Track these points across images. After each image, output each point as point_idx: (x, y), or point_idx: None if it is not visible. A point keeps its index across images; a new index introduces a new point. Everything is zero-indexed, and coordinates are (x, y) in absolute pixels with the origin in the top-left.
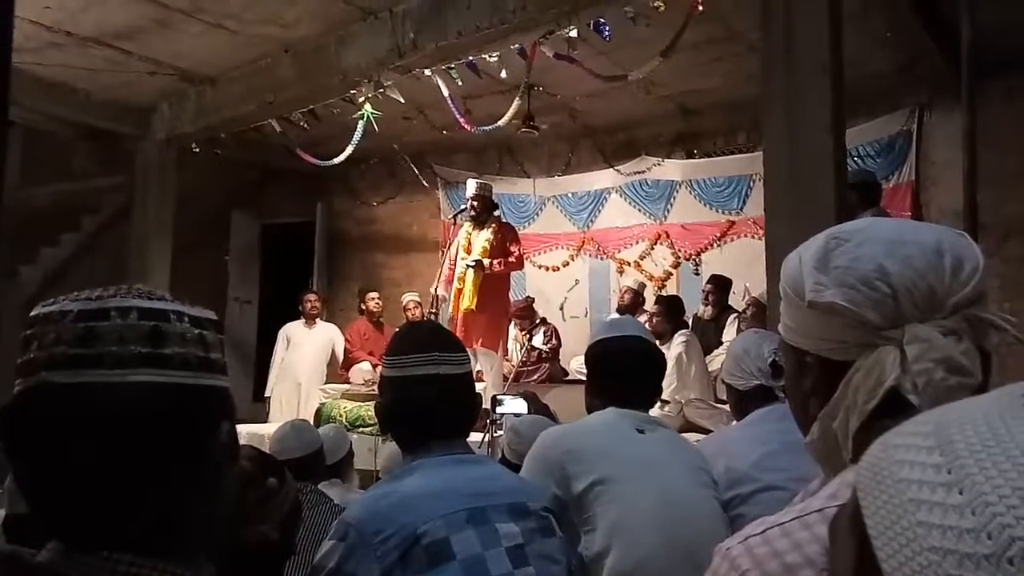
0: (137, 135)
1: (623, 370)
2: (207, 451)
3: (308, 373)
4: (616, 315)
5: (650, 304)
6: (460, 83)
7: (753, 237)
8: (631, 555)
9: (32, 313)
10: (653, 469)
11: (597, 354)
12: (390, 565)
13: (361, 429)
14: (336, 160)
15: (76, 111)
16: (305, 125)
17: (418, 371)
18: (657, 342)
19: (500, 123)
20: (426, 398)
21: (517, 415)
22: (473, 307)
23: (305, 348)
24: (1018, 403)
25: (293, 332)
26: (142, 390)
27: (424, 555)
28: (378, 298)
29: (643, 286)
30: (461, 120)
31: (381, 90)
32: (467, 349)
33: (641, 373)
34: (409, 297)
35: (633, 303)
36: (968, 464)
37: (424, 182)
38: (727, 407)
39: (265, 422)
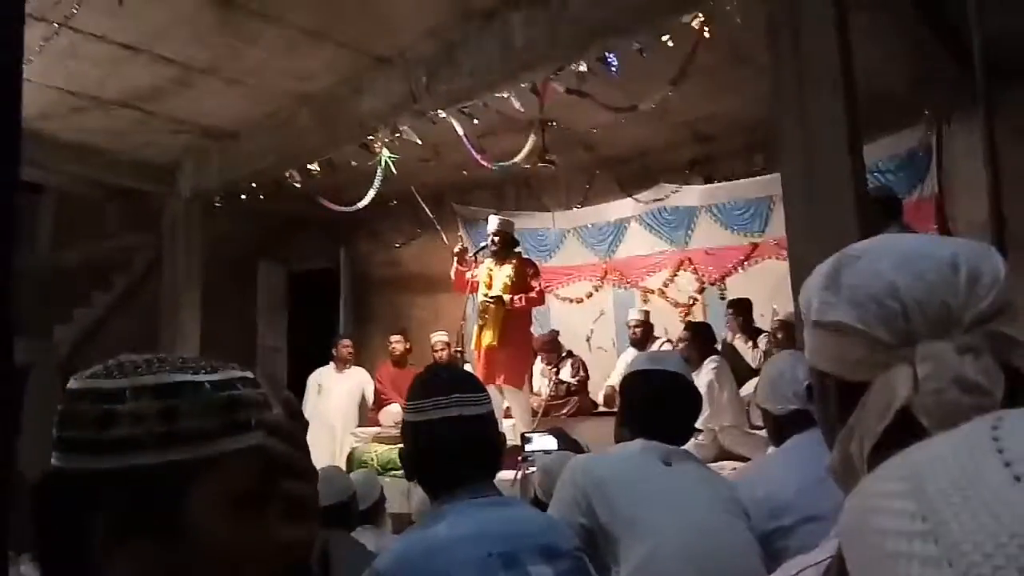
0: (163, 192)
1: (655, 402)
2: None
3: (341, 418)
4: (656, 348)
5: (678, 331)
6: (476, 122)
7: (777, 259)
8: None
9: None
10: (681, 502)
11: (631, 384)
12: None
13: (393, 472)
14: (358, 206)
15: (103, 172)
16: (315, 171)
17: (439, 414)
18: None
19: (517, 159)
20: (449, 441)
21: (546, 451)
22: (495, 343)
23: (336, 393)
24: (986, 438)
25: (324, 378)
26: (90, 477)
27: None
28: (401, 341)
29: (647, 314)
30: (478, 158)
31: (397, 134)
32: (490, 385)
33: (673, 407)
34: (437, 337)
35: (645, 336)
36: (941, 510)
37: (437, 225)
38: (763, 432)
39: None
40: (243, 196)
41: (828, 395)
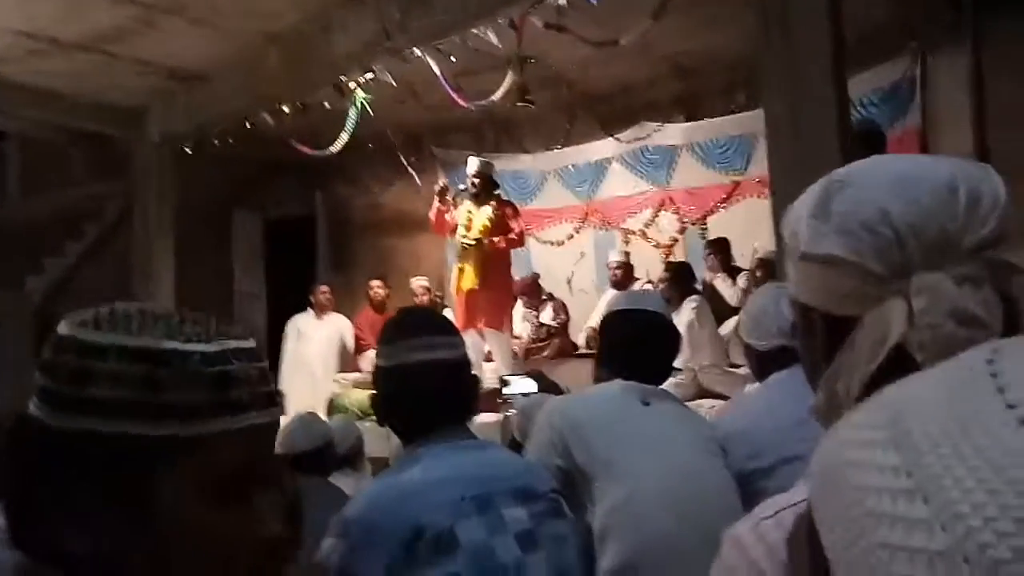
0: (131, 138)
1: (634, 342)
2: (138, 500)
3: (320, 364)
4: (640, 287)
5: (659, 272)
6: (453, 60)
7: (759, 197)
8: (638, 531)
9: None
10: (659, 443)
11: (610, 324)
12: (394, 560)
13: (374, 417)
14: (332, 149)
15: (67, 117)
16: (287, 113)
17: (411, 358)
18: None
19: (494, 97)
20: (421, 386)
21: (525, 394)
22: (475, 286)
23: (316, 339)
24: (983, 375)
25: (303, 324)
26: (60, 435)
27: (429, 547)
28: (379, 286)
29: (628, 255)
30: (455, 97)
31: (371, 74)
32: (471, 329)
33: (652, 346)
34: (417, 282)
35: (625, 277)
36: (931, 464)
37: (411, 170)
38: (742, 371)
39: (281, 415)
40: (214, 141)
41: (813, 331)
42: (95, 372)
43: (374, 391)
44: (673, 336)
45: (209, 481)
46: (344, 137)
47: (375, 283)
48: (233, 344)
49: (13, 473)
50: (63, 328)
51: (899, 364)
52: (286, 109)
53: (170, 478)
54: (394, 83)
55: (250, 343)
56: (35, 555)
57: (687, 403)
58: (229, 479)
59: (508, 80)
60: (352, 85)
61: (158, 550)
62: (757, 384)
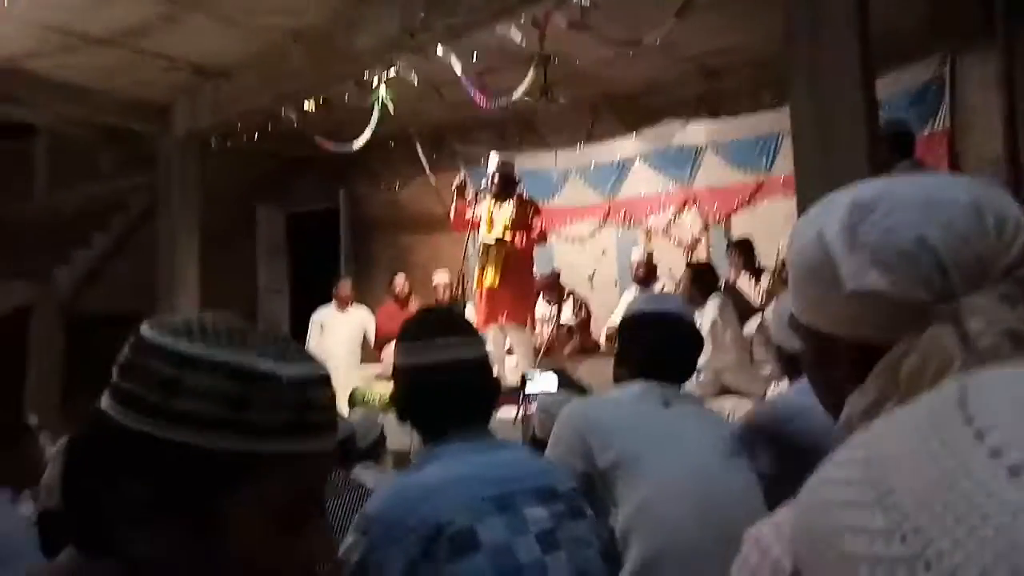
0: (157, 133)
1: (655, 343)
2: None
3: (344, 357)
4: (658, 289)
5: (680, 270)
6: (475, 59)
7: (784, 196)
8: (660, 532)
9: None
10: (681, 444)
11: (630, 323)
12: (414, 557)
13: None
14: (355, 145)
15: (95, 112)
16: (310, 109)
17: (431, 358)
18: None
19: (515, 95)
20: (441, 385)
21: (547, 392)
22: (496, 284)
23: (339, 332)
24: (956, 420)
25: (326, 317)
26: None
27: (449, 545)
28: (404, 281)
29: (651, 254)
30: (475, 95)
31: (394, 69)
32: (492, 325)
33: (673, 348)
34: (439, 278)
35: (648, 275)
36: (925, 528)
37: (428, 170)
38: (765, 370)
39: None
40: (239, 137)
41: (835, 360)
42: (186, 383)
43: (393, 389)
44: (694, 338)
45: (274, 503)
46: (367, 134)
47: (399, 277)
48: (312, 370)
49: (83, 468)
50: (150, 333)
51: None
52: (309, 105)
53: (239, 495)
54: (416, 81)
55: (325, 370)
56: (90, 553)
57: (710, 400)
58: (293, 503)
59: (528, 78)
60: (375, 82)
61: (215, 565)
62: (785, 384)
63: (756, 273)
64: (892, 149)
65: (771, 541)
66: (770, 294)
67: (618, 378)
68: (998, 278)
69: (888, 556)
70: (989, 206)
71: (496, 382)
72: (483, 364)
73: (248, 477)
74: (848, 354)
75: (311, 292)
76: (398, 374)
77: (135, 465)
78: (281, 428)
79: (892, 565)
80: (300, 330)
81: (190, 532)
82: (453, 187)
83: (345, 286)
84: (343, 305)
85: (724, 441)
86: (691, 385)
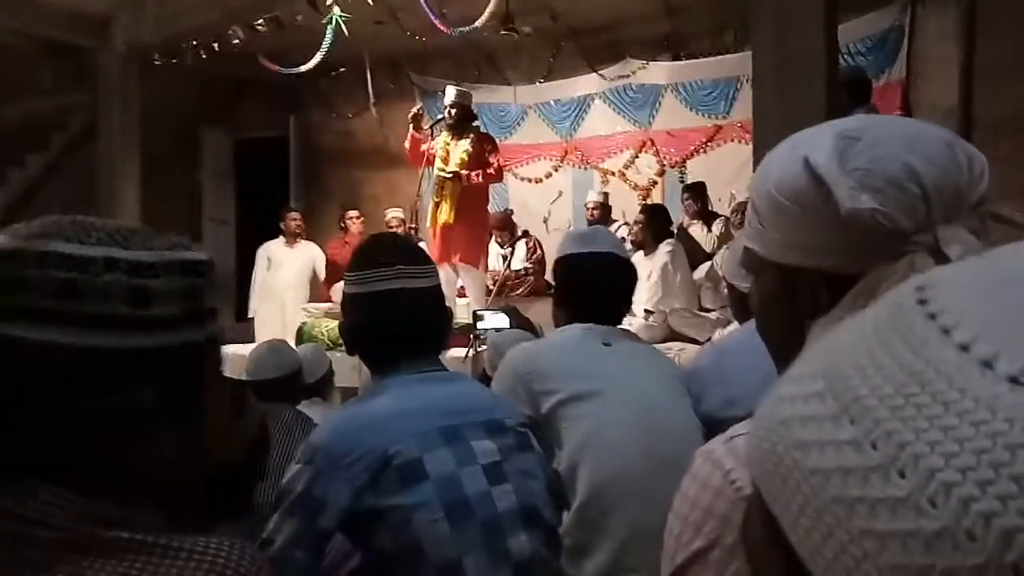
0: (97, 47)
1: (591, 287)
2: (123, 411)
3: (291, 293)
4: (616, 229)
5: (635, 213)
6: None
7: (740, 142)
8: (605, 466)
9: None
10: (623, 381)
11: (565, 269)
12: (360, 487)
13: (343, 346)
14: (305, 68)
15: (32, 22)
16: (260, 27)
17: (381, 286)
18: (641, 252)
19: (477, 24)
20: (392, 315)
21: (498, 330)
22: (451, 220)
23: (287, 268)
24: (919, 317)
25: (274, 251)
26: (48, 349)
27: (396, 475)
28: (358, 217)
29: (606, 196)
30: (436, 22)
31: None
32: (445, 264)
33: (608, 287)
34: (392, 213)
35: (602, 217)
36: (897, 431)
37: (371, 97)
38: (712, 315)
39: (251, 342)
40: (184, 55)
41: (800, 292)
42: (151, 290)
43: (342, 319)
44: (629, 274)
45: (217, 378)
46: (318, 56)
47: (352, 213)
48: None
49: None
50: (88, 250)
51: None
52: (259, 24)
53: (207, 377)
54: (371, 1)
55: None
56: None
57: (657, 345)
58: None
59: (491, 5)
60: (328, 2)
61: (200, 457)
62: (733, 326)
63: (708, 219)
64: (849, 96)
65: (722, 454)
66: (722, 240)
67: (557, 320)
68: (968, 212)
69: (860, 465)
70: (959, 143)
71: (448, 312)
72: (435, 293)
73: (208, 361)
74: (816, 286)
75: (258, 224)
76: (347, 304)
77: (138, 377)
78: (215, 311)
79: (865, 474)
80: (247, 263)
81: (188, 429)
82: (409, 116)
83: (294, 219)
84: (292, 239)
85: (666, 378)
86: (640, 327)
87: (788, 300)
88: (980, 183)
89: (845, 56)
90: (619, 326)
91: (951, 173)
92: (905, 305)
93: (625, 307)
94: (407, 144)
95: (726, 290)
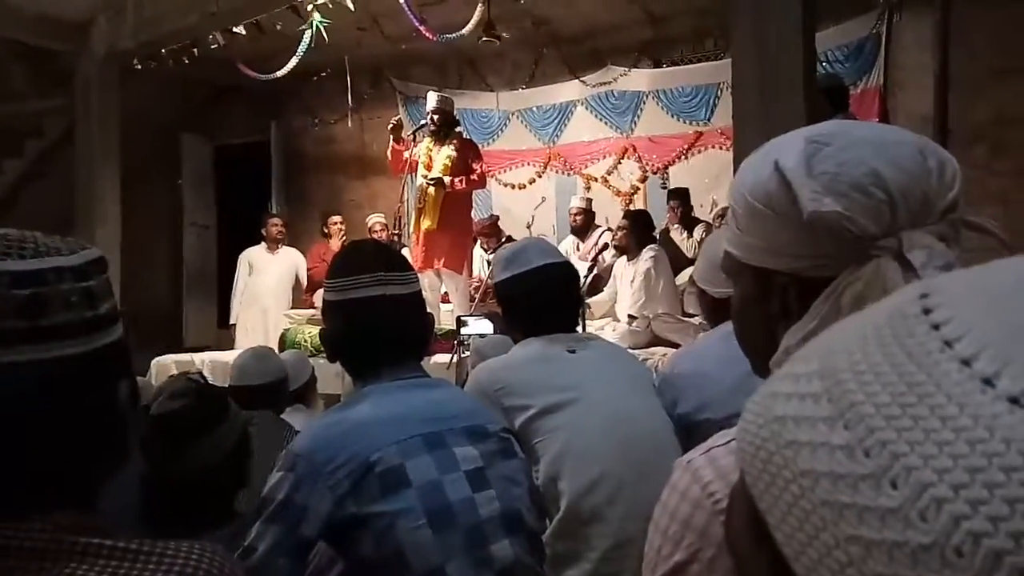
0: (75, 52)
1: (534, 306)
2: (103, 416)
3: (273, 299)
4: (598, 234)
5: (618, 219)
6: None
7: (721, 148)
8: (583, 477)
9: None
10: (592, 388)
11: (502, 296)
12: (342, 494)
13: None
14: (281, 72)
15: (6, 27)
16: (240, 33)
17: (362, 293)
18: (624, 257)
19: (463, 32)
20: (373, 322)
21: (482, 335)
22: (434, 227)
23: (268, 274)
24: (920, 326)
25: (255, 257)
26: (22, 371)
27: (378, 483)
28: (340, 223)
29: (589, 202)
30: (420, 28)
31: None
32: (429, 270)
33: (552, 300)
34: (375, 219)
35: (585, 223)
36: (891, 441)
37: (349, 103)
38: (695, 320)
39: (231, 349)
40: (163, 60)
41: (772, 294)
42: (94, 291)
43: (323, 326)
44: (566, 278)
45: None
46: (295, 60)
47: (335, 219)
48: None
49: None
50: (15, 265)
51: None
52: (240, 29)
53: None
54: (351, 6)
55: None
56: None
57: (641, 350)
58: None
59: (478, 13)
60: (309, 7)
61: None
62: (708, 331)
63: (689, 225)
64: (829, 102)
65: (701, 464)
66: (702, 246)
67: (515, 338)
68: (937, 218)
69: (851, 472)
70: (930, 149)
71: (430, 319)
72: (416, 300)
73: (109, 367)
74: (785, 290)
75: (240, 230)
76: (328, 311)
77: (114, 373)
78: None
79: (855, 481)
80: (228, 269)
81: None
82: (388, 128)
83: (275, 225)
84: (273, 245)
85: (634, 379)
86: (623, 332)
87: (762, 303)
88: (950, 189)
89: (823, 64)
90: (578, 329)
91: (919, 179)
92: (908, 312)
93: (576, 308)
94: (389, 155)
95: (697, 295)
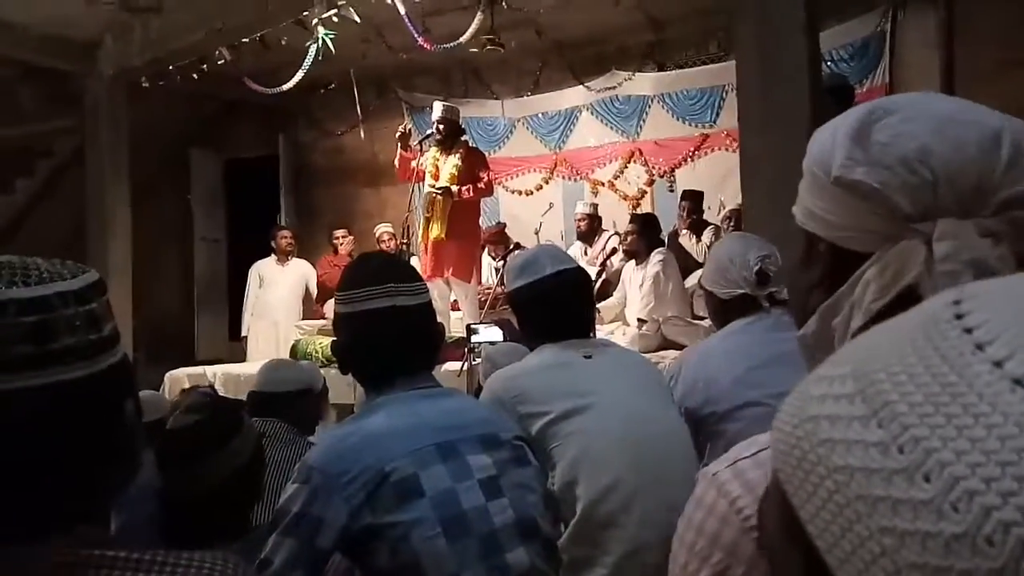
0: (83, 72)
1: (549, 313)
2: (112, 434)
3: (284, 311)
4: (606, 238)
5: (625, 223)
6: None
7: (727, 150)
8: (599, 482)
9: None
10: (608, 393)
11: (517, 304)
12: (357, 505)
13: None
14: (287, 86)
15: (15, 48)
16: (245, 43)
17: (372, 305)
18: (633, 261)
19: (462, 40)
20: (383, 333)
21: (492, 343)
22: (443, 236)
23: (279, 286)
24: (954, 331)
25: (265, 270)
26: (33, 395)
27: (393, 493)
28: (345, 235)
29: (595, 207)
30: (419, 39)
31: (335, 10)
32: (438, 279)
33: (567, 306)
34: (383, 229)
35: (590, 229)
36: (924, 438)
37: (359, 114)
38: (705, 323)
39: (243, 361)
40: (171, 77)
41: (814, 262)
42: (96, 313)
43: (335, 338)
44: (579, 283)
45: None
46: (300, 74)
47: (340, 232)
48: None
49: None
50: (20, 292)
51: (903, 307)
52: (243, 42)
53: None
54: (357, 19)
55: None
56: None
57: (651, 354)
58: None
59: (476, 22)
60: (315, 21)
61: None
62: (715, 332)
63: (698, 229)
64: (833, 102)
65: (727, 478)
66: (711, 249)
67: (530, 346)
68: (992, 211)
69: (885, 467)
70: (1012, 139)
71: (440, 328)
72: (426, 310)
73: (115, 387)
74: (826, 258)
75: (250, 243)
76: (339, 324)
77: (123, 391)
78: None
79: (889, 476)
80: (239, 282)
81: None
82: (396, 135)
83: (285, 237)
84: (283, 257)
85: (651, 384)
86: (633, 336)
87: (804, 269)
88: (1017, 183)
89: (828, 63)
90: (593, 335)
91: (977, 164)
92: (941, 316)
93: (590, 314)
94: (396, 163)
95: (703, 296)
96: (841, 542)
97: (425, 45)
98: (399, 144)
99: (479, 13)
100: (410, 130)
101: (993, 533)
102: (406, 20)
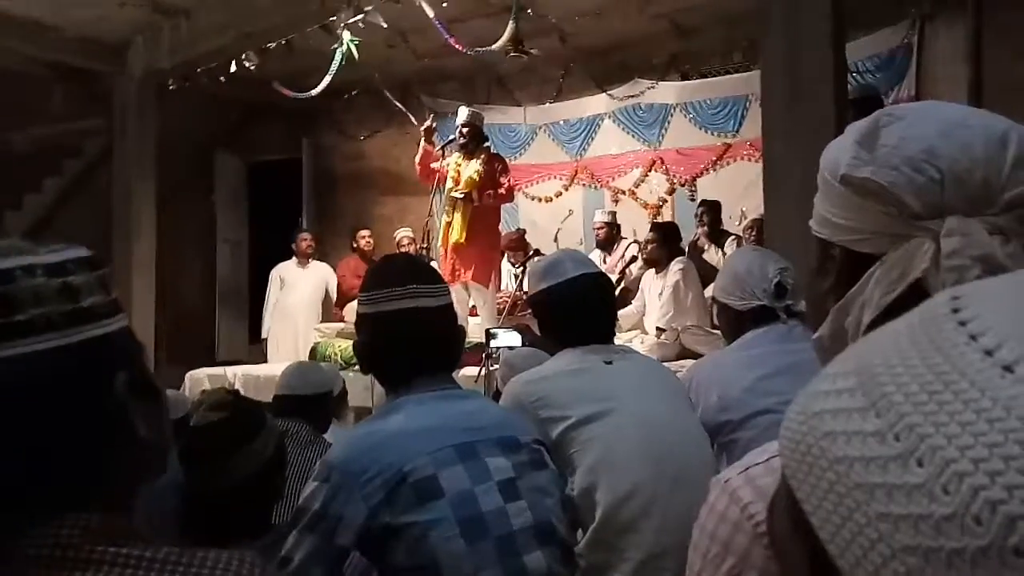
0: (113, 73)
1: (572, 316)
2: (99, 404)
3: (304, 313)
4: (625, 246)
5: (645, 232)
6: (445, 4)
7: (749, 160)
8: (618, 488)
9: None
10: (629, 399)
11: (539, 306)
12: (376, 505)
13: (356, 367)
14: (314, 92)
15: (48, 49)
16: (271, 47)
17: (394, 306)
18: (653, 270)
19: (494, 47)
20: (405, 334)
21: (511, 348)
22: (463, 240)
23: (299, 288)
24: (949, 324)
25: (286, 272)
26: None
27: (412, 493)
28: (369, 236)
29: (614, 215)
30: (451, 40)
31: (361, 15)
32: (457, 284)
33: (590, 310)
34: (403, 233)
35: (609, 237)
36: (918, 424)
37: (401, 107)
38: None
39: (263, 362)
40: (198, 79)
41: (828, 267)
42: (16, 294)
43: (357, 339)
44: (602, 287)
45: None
46: (327, 79)
47: (364, 232)
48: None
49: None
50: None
51: (915, 303)
52: (271, 49)
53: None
54: (384, 24)
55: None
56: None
57: (670, 363)
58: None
59: (509, 29)
60: (341, 26)
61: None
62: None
63: (718, 238)
64: (859, 113)
65: (738, 484)
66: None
67: (551, 349)
68: (999, 210)
69: (881, 454)
70: (1019, 138)
71: (461, 330)
72: (447, 312)
73: (100, 359)
74: (840, 263)
75: (272, 245)
76: (361, 324)
77: (109, 364)
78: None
79: (885, 462)
80: (260, 284)
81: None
82: (421, 129)
83: (306, 240)
84: (304, 260)
85: (671, 391)
86: (652, 344)
87: (820, 277)
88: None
89: (854, 74)
90: (615, 341)
91: (983, 163)
92: (939, 312)
93: (612, 319)
94: (418, 158)
95: (719, 309)
96: (841, 531)
97: (457, 46)
98: (423, 135)
99: (511, 22)
100: (435, 125)
101: (980, 512)
102: (436, 23)
